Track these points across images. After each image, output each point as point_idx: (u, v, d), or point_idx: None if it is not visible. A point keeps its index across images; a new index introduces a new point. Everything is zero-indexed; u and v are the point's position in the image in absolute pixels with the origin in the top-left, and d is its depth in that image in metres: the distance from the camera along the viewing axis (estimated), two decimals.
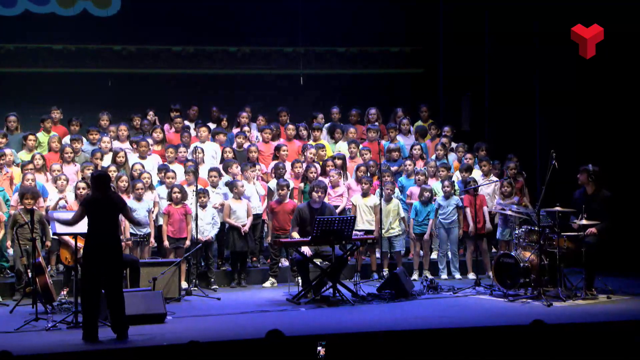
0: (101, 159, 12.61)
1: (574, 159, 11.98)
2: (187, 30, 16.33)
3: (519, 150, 13.83)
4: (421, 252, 12.80)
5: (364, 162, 13.17)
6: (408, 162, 13.39)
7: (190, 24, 16.26)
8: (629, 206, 12.75)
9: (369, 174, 12.94)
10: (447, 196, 12.64)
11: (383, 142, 13.82)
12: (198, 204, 11.70)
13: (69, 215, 9.37)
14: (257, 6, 16.27)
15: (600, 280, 11.05)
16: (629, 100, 13.43)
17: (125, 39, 16.32)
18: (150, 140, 13.33)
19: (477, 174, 13.23)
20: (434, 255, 12.99)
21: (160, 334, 8.96)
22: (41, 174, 12.17)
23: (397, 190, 12.93)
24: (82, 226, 9.10)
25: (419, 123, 14.90)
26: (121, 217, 9.41)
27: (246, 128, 14.29)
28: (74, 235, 9.70)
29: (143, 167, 12.49)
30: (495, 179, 13.01)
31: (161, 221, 11.98)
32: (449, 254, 12.72)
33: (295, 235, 11.26)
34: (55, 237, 10.91)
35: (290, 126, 14.05)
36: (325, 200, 11.80)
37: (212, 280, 12.02)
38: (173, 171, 12.39)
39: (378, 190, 12.53)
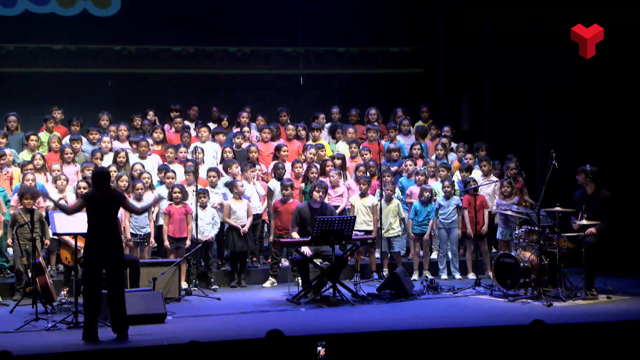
0: (101, 159, 12.60)
1: (574, 159, 11.97)
2: (187, 30, 16.33)
3: (519, 150, 13.83)
4: (421, 252, 12.79)
5: (364, 162, 13.18)
6: (408, 162, 13.37)
7: (190, 24, 16.25)
8: (629, 206, 12.75)
9: (368, 174, 12.94)
10: (447, 196, 12.64)
11: (383, 142, 13.82)
12: (198, 204, 11.71)
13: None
14: (257, 6, 16.26)
15: (600, 280, 11.05)
16: (629, 100, 13.42)
17: (125, 39, 16.31)
18: (150, 140, 13.32)
19: (477, 174, 13.22)
20: (434, 256, 12.98)
21: (160, 334, 8.96)
22: (41, 174, 12.16)
23: (397, 190, 12.93)
24: (83, 226, 9.09)
25: (419, 123, 14.89)
26: (121, 217, 9.39)
27: (246, 128, 14.27)
28: (74, 235, 9.68)
29: (143, 167, 12.48)
30: (495, 179, 13.01)
31: (161, 221, 11.98)
32: (449, 254, 12.71)
33: (295, 235, 11.26)
34: (56, 237, 10.91)
35: (290, 126, 14.04)
36: (325, 200, 11.80)
37: (212, 280, 12.02)
38: (173, 171, 12.39)
39: (378, 190, 12.53)
